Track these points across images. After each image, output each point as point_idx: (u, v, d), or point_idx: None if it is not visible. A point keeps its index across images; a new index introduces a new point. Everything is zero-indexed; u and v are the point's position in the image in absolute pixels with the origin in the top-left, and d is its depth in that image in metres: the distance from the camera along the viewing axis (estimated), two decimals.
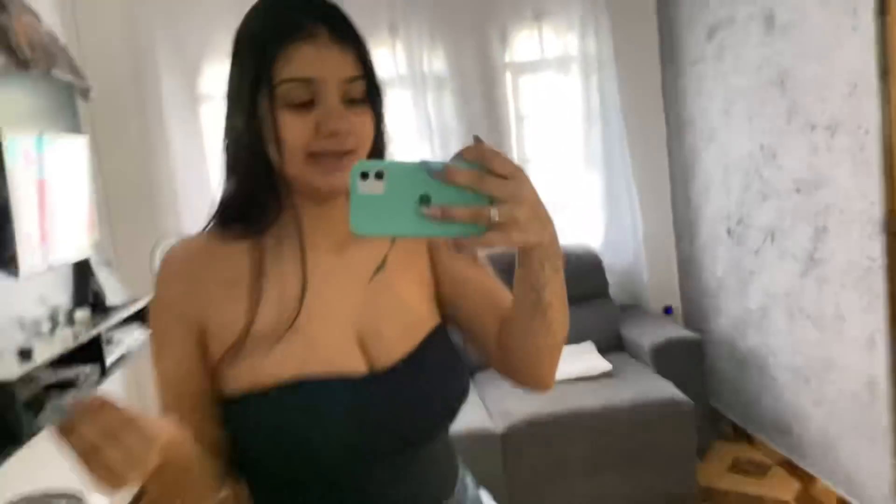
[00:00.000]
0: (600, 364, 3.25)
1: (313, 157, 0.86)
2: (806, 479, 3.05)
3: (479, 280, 1.01)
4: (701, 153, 3.64)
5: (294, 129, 0.85)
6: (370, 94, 0.90)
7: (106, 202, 3.55)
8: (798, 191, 2.85)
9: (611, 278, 3.80)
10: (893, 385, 2.45)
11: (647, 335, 3.43)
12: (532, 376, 0.97)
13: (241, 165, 0.91)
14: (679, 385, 3.03)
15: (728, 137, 3.37)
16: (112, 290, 3.24)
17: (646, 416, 2.92)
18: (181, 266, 0.93)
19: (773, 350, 3.21)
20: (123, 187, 3.59)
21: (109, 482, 0.69)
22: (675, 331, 3.45)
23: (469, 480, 1.07)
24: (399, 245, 0.99)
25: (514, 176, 0.72)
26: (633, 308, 3.89)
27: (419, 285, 1.01)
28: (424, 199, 0.70)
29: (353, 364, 0.91)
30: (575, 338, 3.52)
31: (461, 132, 3.71)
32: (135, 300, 3.29)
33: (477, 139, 0.73)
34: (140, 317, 3.28)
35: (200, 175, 3.58)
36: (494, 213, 0.70)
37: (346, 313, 0.94)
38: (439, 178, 0.69)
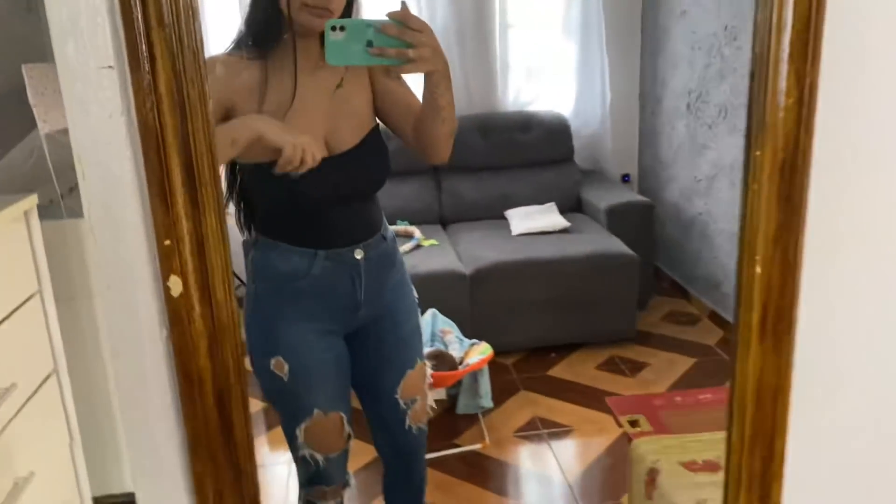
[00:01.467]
0: (559, 221, 3.62)
1: (307, 6, 1.32)
2: (728, 327, 3.54)
3: (401, 92, 1.51)
4: (671, 30, 3.87)
5: None
6: None
7: None
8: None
9: (577, 144, 4.10)
10: None
11: (605, 198, 3.78)
12: (433, 153, 1.46)
13: (259, 7, 1.39)
14: (629, 244, 3.41)
15: (697, 16, 3.60)
16: None
17: (596, 266, 3.32)
18: (219, 67, 1.40)
19: (714, 216, 3.60)
20: None
21: None
22: (629, 196, 3.81)
23: (387, 224, 1.63)
24: (351, 70, 1.48)
25: (423, 29, 1.19)
26: (594, 173, 4.23)
27: (364, 98, 1.50)
28: (369, 44, 1.14)
29: (320, 151, 1.39)
30: (539, 198, 3.87)
31: None
32: None
33: (403, 4, 1.19)
34: None
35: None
36: (410, 52, 1.18)
37: (318, 116, 1.44)
38: (378, 30, 1.14)
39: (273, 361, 1.52)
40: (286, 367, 1.52)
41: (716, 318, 3.65)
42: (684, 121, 3.83)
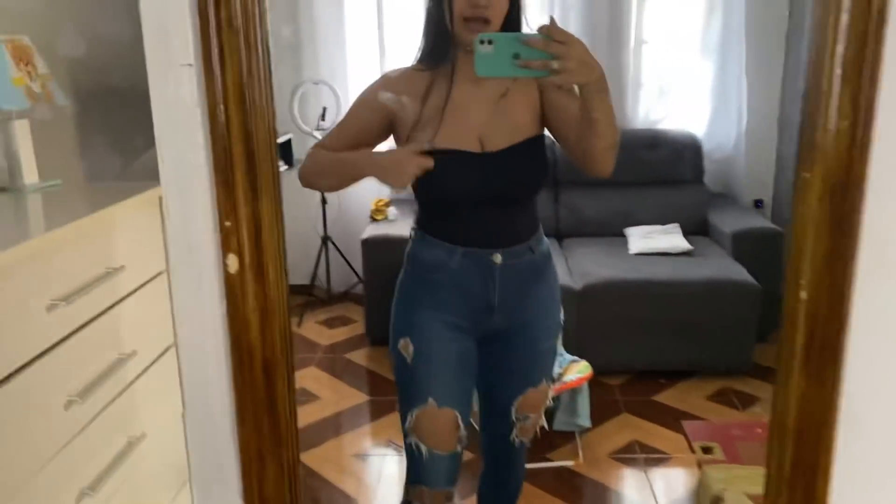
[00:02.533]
0: (681, 243, 3.52)
1: (467, 20, 1.42)
2: None
3: (568, 105, 1.51)
4: None
5: (457, 2, 1.42)
6: None
7: None
8: None
9: (708, 166, 3.97)
10: None
11: (732, 223, 3.63)
12: (592, 167, 1.46)
13: (430, 20, 1.51)
14: (754, 273, 3.26)
15: None
16: None
17: (714, 293, 3.20)
18: (390, 80, 1.58)
19: None
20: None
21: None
22: (759, 222, 3.64)
23: (545, 240, 1.67)
24: (519, 82, 1.55)
25: (569, 41, 1.21)
26: (724, 197, 4.07)
27: (529, 108, 1.55)
28: (517, 56, 1.20)
29: (472, 146, 1.52)
30: (663, 218, 3.78)
31: (580, 9, 3.86)
32: (279, 136, 3.76)
33: (551, 18, 1.21)
34: (282, 151, 3.77)
35: (338, 26, 3.92)
36: (555, 64, 1.21)
37: (474, 120, 1.52)
38: (524, 43, 1.20)
39: (402, 341, 1.60)
40: (411, 348, 1.58)
41: None
42: None
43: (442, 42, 1.49)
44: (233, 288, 0.83)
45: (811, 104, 0.78)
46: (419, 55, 1.57)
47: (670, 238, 3.59)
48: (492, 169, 1.51)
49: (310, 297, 4.13)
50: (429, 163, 1.40)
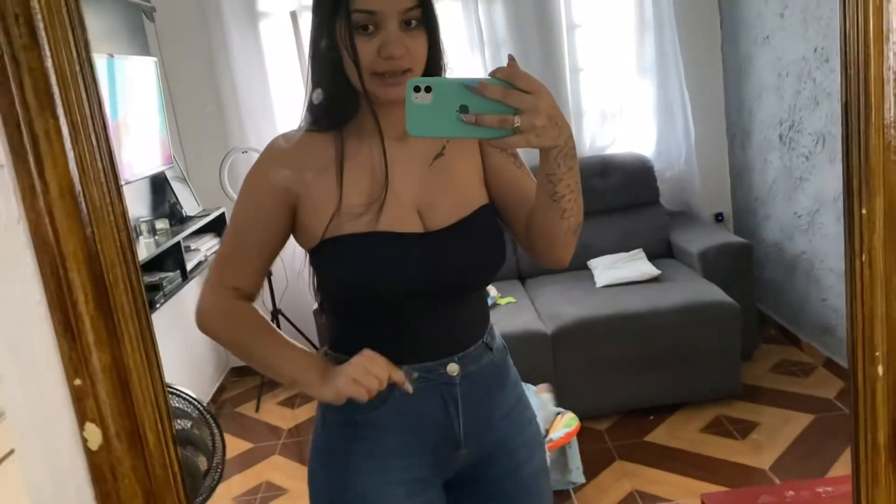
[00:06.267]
0: (649, 269, 3.36)
1: (378, 75, 1.05)
2: (848, 378, 3.16)
3: (513, 172, 1.20)
4: (755, 58, 3.61)
5: (363, 53, 1.04)
6: (425, 19, 1.07)
7: (175, 120, 3.75)
8: None
9: (662, 186, 3.85)
10: None
11: (697, 242, 3.50)
12: (550, 256, 1.15)
13: (325, 77, 1.11)
14: (727, 290, 3.12)
15: (782, 41, 3.33)
16: (187, 201, 3.48)
17: (691, 318, 3.03)
18: (283, 151, 1.15)
19: (819, 254, 3.26)
20: (191, 106, 3.77)
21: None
22: (723, 237, 3.51)
23: (495, 330, 1.30)
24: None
25: (535, 90, 0.89)
26: (683, 215, 3.95)
27: (472, 170, 1.20)
28: (464, 108, 0.88)
29: (413, 226, 1.13)
30: (625, 245, 3.63)
31: (512, 43, 3.75)
32: (208, 211, 3.52)
33: (510, 58, 0.90)
34: (213, 226, 3.52)
35: (262, 92, 3.73)
36: (516, 120, 0.89)
37: (409, 189, 1.14)
38: (474, 92, 0.87)
39: None
40: None
41: (832, 367, 3.28)
42: (778, 153, 3.52)
43: (346, 94, 1.10)
44: (99, 470, 0.60)
45: (854, 117, 0.59)
46: (311, 114, 1.16)
47: (636, 265, 3.44)
48: (439, 253, 1.13)
49: (265, 377, 3.85)
50: (401, 377, 1.08)
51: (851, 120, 0.60)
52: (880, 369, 0.61)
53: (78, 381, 0.56)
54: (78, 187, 0.53)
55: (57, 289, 0.54)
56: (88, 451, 0.58)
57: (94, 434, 0.58)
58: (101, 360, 0.56)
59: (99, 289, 0.54)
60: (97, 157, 0.54)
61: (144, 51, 3.57)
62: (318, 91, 1.14)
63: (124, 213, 0.56)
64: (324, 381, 1.09)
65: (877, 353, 0.61)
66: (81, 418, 0.57)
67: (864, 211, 0.59)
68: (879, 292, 0.60)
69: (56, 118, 0.53)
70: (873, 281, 0.61)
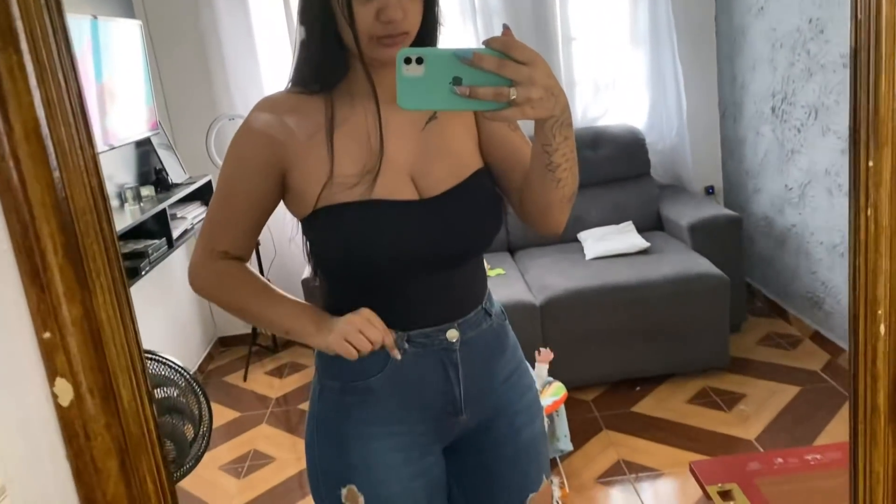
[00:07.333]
0: (638, 241, 3.35)
1: (375, 38, 1.02)
2: (834, 350, 3.17)
3: (508, 136, 1.17)
4: (748, 29, 3.57)
5: (360, 17, 1.01)
6: None
7: (161, 86, 3.68)
8: (845, 65, 2.81)
9: (654, 158, 3.83)
10: None
11: (687, 214, 3.49)
12: (544, 223, 1.15)
13: (315, 37, 1.08)
14: (716, 262, 3.11)
15: (776, 11, 3.29)
16: (173, 169, 3.43)
17: (681, 289, 3.03)
18: (269, 111, 1.12)
19: (809, 227, 3.26)
20: (177, 71, 3.71)
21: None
22: (713, 209, 3.50)
23: (493, 296, 1.28)
24: None
25: (531, 61, 0.86)
26: (674, 188, 3.94)
27: (466, 134, 1.17)
28: (457, 80, 0.85)
29: (407, 194, 1.11)
30: (614, 217, 3.62)
31: (504, 11, 3.69)
32: (195, 179, 3.48)
33: (505, 28, 0.87)
34: (200, 194, 3.47)
35: (250, 57, 3.66)
36: (512, 93, 0.86)
37: (403, 155, 1.12)
38: (468, 63, 0.84)
39: (344, 491, 1.17)
40: (361, 499, 1.16)
41: (819, 339, 3.29)
42: (770, 125, 3.50)
43: (337, 55, 1.08)
44: (71, 427, 0.57)
45: (861, 68, 0.57)
46: (300, 73, 1.12)
47: (626, 238, 3.43)
48: (436, 220, 1.11)
49: (253, 346, 3.83)
50: (391, 342, 1.10)
51: (860, 67, 0.57)
52: (882, 328, 0.59)
53: (47, 335, 0.54)
54: (45, 129, 0.50)
55: (23, 237, 0.51)
56: (59, 408, 0.56)
57: (64, 390, 0.55)
58: (71, 313, 0.53)
59: (68, 237, 0.51)
60: (65, 96, 0.51)
61: (129, 13, 3.49)
62: (305, 53, 1.11)
63: (94, 157, 0.53)
64: (318, 330, 1.11)
65: (879, 312, 0.59)
66: (52, 374, 0.55)
67: (870, 163, 0.57)
68: (885, 247, 0.58)
69: (20, 53, 0.50)
70: (878, 235, 0.59)
